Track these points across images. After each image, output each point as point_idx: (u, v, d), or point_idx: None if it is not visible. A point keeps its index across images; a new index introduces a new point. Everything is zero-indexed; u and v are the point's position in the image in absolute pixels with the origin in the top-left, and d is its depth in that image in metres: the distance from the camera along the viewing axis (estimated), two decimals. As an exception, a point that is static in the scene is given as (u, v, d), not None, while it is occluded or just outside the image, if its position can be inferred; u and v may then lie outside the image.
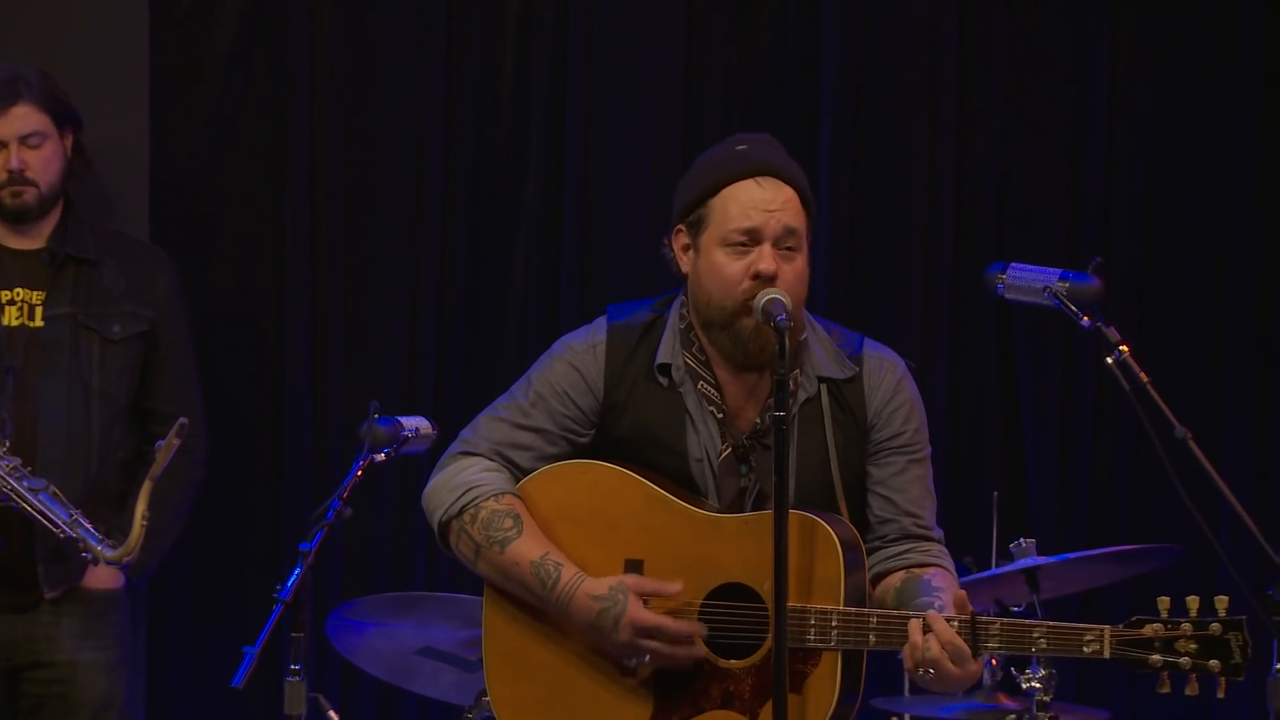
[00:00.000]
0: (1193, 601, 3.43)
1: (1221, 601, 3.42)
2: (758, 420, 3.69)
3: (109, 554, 4.43)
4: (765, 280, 3.58)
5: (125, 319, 4.91)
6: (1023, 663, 4.73)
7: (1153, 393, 3.66)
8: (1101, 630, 3.44)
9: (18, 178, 4.81)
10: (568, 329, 3.95)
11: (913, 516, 3.71)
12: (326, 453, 5.53)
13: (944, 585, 3.61)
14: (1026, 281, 3.84)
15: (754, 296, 3.58)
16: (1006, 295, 3.87)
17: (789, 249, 3.61)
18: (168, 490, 4.59)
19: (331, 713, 4.59)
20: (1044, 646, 3.46)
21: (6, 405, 4.72)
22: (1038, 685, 4.68)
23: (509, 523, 3.66)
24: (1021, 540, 4.73)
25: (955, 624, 3.44)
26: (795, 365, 3.65)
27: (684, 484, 3.69)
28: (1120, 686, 5.51)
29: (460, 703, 4.69)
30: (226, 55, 5.55)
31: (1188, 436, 3.64)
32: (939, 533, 3.75)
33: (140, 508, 4.36)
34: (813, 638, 3.50)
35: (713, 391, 3.69)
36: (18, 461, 4.53)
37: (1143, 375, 3.67)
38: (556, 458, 3.74)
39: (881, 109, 5.64)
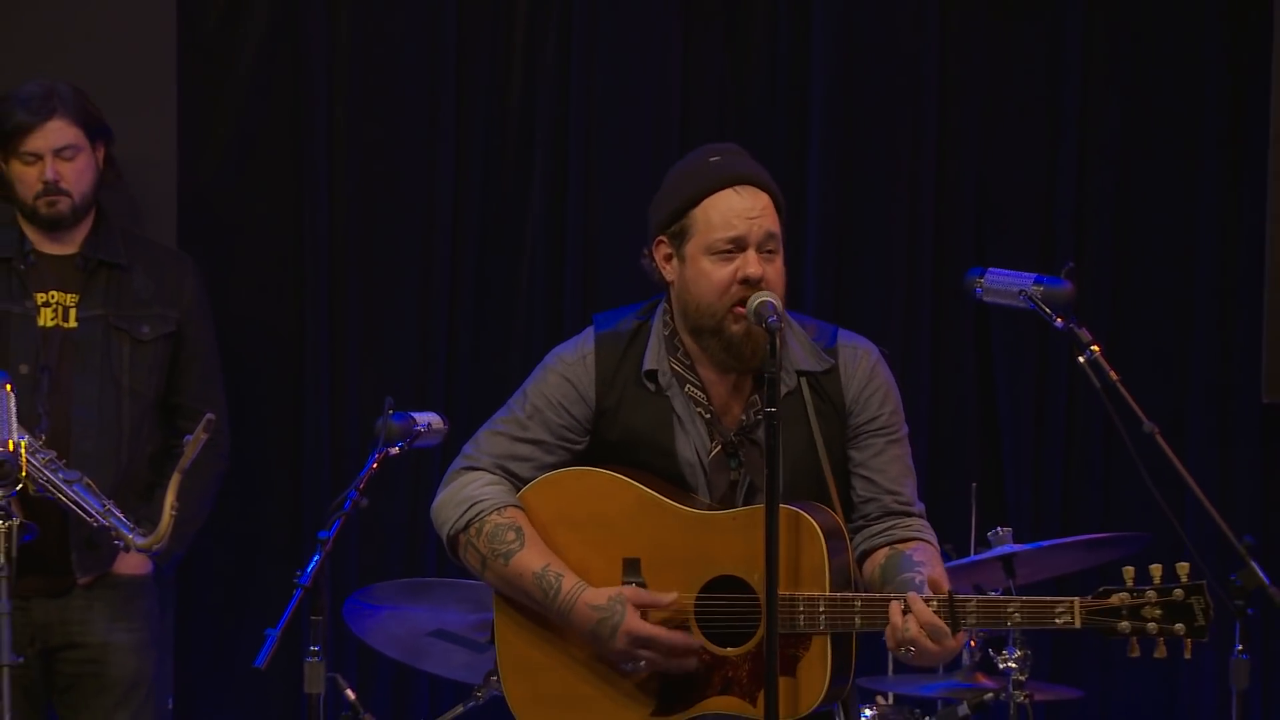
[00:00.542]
0: (1156, 570, 3.45)
1: (1183, 568, 3.44)
2: (743, 417, 3.72)
3: (140, 541, 4.47)
4: (753, 284, 3.61)
5: (154, 320, 4.94)
6: (1000, 644, 4.77)
7: (1122, 390, 3.78)
8: (1072, 602, 3.45)
9: (53, 188, 4.83)
10: (571, 327, 3.89)
11: (893, 494, 3.73)
12: (344, 446, 5.58)
13: (925, 559, 3.63)
14: (1003, 285, 3.93)
15: (743, 300, 3.60)
16: (985, 299, 3.97)
17: (769, 251, 3.65)
18: (194, 481, 4.60)
19: (349, 691, 4.71)
20: (1019, 620, 3.48)
21: (42, 401, 4.75)
22: (1014, 665, 4.73)
23: (511, 535, 3.69)
24: (999, 529, 4.80)
25: (934, 604, 3.46)
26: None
27: (676, 483, 3.71)
28: (1092, 667, 5.57)
29: (470, 681, 4.77)
30: (249, 72, 5.61)
31: (1155, 431, 3.77)
32: (920, 507, 3.76)
33: (169, 498, 4.40)
34: (802, 623, 3.53)
35: (699, 393, 3.72)
36: (53, 454, 4.55)
37: (1113, 374, 3.77)
38: (555, 465, 3.76)
39: (867, 119, 5.71)
